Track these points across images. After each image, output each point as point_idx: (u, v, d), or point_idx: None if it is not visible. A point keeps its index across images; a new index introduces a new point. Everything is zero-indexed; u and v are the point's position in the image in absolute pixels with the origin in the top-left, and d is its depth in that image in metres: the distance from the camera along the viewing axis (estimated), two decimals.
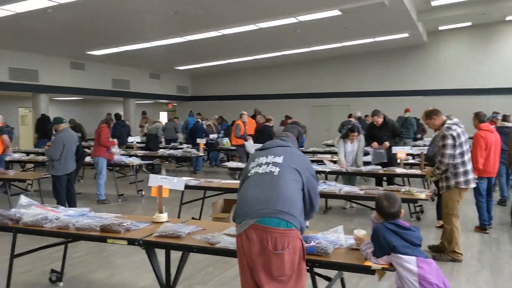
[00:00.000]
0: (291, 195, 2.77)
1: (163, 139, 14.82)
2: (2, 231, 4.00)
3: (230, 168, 8.37)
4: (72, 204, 7.42)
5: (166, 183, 4.02)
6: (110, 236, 3.56)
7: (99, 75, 17.86)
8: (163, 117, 25.52)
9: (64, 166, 7.22)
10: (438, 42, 19.00)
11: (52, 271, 4.58)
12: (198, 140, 11.79)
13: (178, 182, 4.04)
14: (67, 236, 3.86)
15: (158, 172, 13.21)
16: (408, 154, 8.99)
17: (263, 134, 10.46)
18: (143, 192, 9.72)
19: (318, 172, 7.66)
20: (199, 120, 13.95)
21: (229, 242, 3.20)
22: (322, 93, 21.04)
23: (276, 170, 2.86)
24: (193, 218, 6.85)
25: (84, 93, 17.74)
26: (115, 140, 8.85)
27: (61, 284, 4.55)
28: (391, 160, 8.16)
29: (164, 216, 3.98)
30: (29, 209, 4.09)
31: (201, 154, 11.28)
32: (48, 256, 5.21)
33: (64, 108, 20.54)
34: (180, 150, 11.02)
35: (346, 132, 8.24)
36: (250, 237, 2.71)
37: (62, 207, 4.29)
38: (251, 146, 9.35)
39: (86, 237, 3.68)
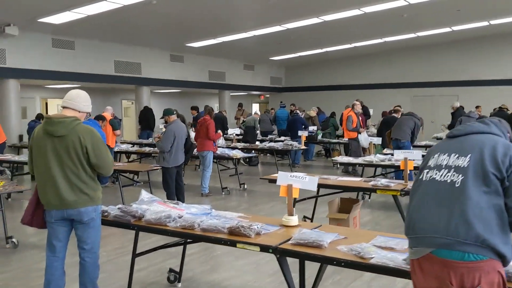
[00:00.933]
0: (481, 217, 2.05)
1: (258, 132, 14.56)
2: (124, 227, 3.80)
3: (342, 164, 7.79)
4: (180, 197, 7.30)
5: (296, 182, 3.57)
6: (240, 241, 3.19)
7: (196, 67, 18.05)
8: (256, 109, 25.43)
9: (174, 158, 7.11)
10: None
11: (171, 270, 4.36)
12: (300, 133, 11.32)
13: (310, 181, 3.57)
14: (193, 238, 3.55)
15: (255, 165, 12.98)
16: None
17: (388, 126, 9.52)
18: (246, 186, 9.47)
19: None
20: (297, 111, 13.44)
21: (387, 258, 2.67)
22: (425, 82, 19.62)
23: (458, 179, 2.14)
24: (305, 218, 6.44)
25: (182, 86, 18.02)
26: (220, 132, 8.62)
27: (179, 285, 4.31)
28: None
29: (294, 219, 3.54)
30: (151, 206, 3.86)
31: (303, 147, 10.80)
32: (164, 252, 5.02)
33: (163, 100, 21.09)
34: (281, 142, 10.63)
35: None
36: (426, 270, 2.14)
37: (184, 204, 4.02)
38: (364, 139, 8.68)
39: (213, 240, 3.33)
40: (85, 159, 3.48)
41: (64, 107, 3.60)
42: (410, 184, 5.17)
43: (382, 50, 19.68)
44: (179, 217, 3.62)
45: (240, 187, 9.45)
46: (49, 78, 13.64)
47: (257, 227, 3.29)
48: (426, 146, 10.66)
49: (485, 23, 15.10)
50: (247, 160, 12.56)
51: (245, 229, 3.25)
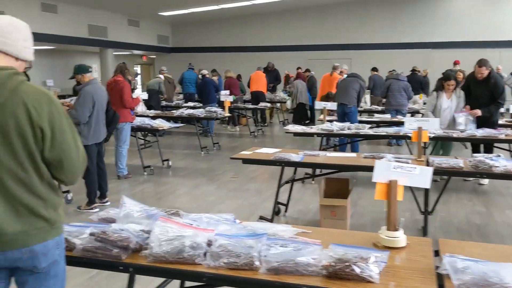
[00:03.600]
0: None
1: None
2: (107, 268, 2.16)
3: (298, 134, 6.59)
4: (104, 186, 5.52)
5: (403, 176, 2.26)
6: None
7: (73, 20, 15.22)
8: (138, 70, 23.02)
9: (95, 132, 5.26)
10: None
11: None
12: (223, 97, 9.81)
13: (423, 174, 2.29)
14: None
15: (162, 135, 11.23)
16: None
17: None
18: (170, 162, 7.85)
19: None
20: (206, 73, 11.81)
21: None
22: (320, 45, 19.28)
23: None
24: (278, 204, 5.16)
25: (56, 41, 15.07)
26: (140, 96, 6.77)
27: None
28: (493, 126, 6.60)
29: (402, 238, 2.25)
30: (148, 225, 2.25)
31: (228, 114, 9.37)
32: None
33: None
34: (201, 110, 9.07)
35: (440, 82, 6.68)
36: None
37: (206, 216, 2.44)
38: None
39: None
40: (38, 150, 1.78)
41: None
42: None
43: (277, 9, 18.79)
44: (209, 244, 2.10)
45: (163, 164, 7.80)
46: None
47: (367, 262, 1.94)
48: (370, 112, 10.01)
49: None
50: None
51: (359, 267, 1.88)
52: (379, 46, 18.57)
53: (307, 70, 14.12)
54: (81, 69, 5.27)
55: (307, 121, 13.31)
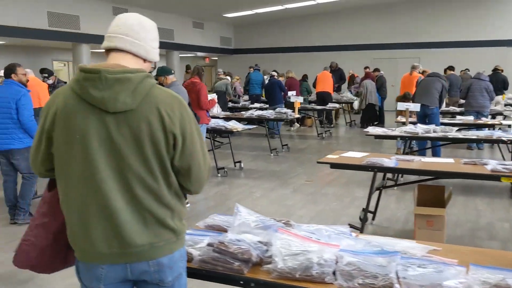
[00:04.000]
0: None
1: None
2: (227, 282, 2.03)
3: (378, 137, 6.29)
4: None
5: None
6: None
7: None
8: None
9: None
10: None
11: None
12: (293, 99, 9.64)
13: None
14: None
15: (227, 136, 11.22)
16: None
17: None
18: (242, 164, 7.78)
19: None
20: (273, 73, 11.68)
21: None
22: (386, 43, 18.66)
23: None
24: (364, 210, 4.90)
25: None
26: (215, 98, 6.72)
27: None
28: None
29: None
30: (265, 235, 2.10)
31: (297, 115, 9.19)
32: None
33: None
34: (270, 111, 8.93)
35: None
36: None
37: (324, 228, 2.26)
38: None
39: None
40: (169, 157, 1.67)
41: (112, 50, 1.72)
42: None
43: (342, 8, 18.41)
44: (335, 262, 1.92)
45: (235, 165, 7.74)
46: None
47: None
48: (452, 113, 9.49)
49: None
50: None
51: None
52: (449, 44, 17.75)
53: (376, 70, 13.65)
54: (164, 71, 5.27)
55: (376, 122, 12.88)
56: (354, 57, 18.66)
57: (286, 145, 9.56)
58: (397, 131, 6.38)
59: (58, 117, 1.63)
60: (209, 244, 2.05)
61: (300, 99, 9.83)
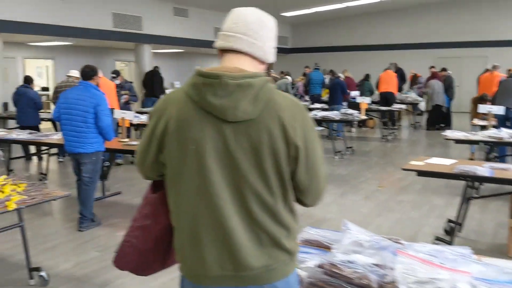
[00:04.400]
0: None
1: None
2: None
3: (460, 141, 5.86)
4: None
5: None
6: None
7: (201, 24, 15.68)
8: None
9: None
10: None
11: None
12: (360, 99, 9.31)
13: None
14: None
15: None
16: None
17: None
18: None
19: None
20: (340, 74, 11.38)
21: None
22: (451, 42, 17.81)
23: None
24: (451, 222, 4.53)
25: (186, 44, 15.62)
26: None
27: None
28: None
29: None
30: (384, 258, 1.86)
31: (364, 117, 8.85)
32: None
33: (161, 61, 18.66)
34: (335, 112, 8.64)
35: None
36: None
37: (447, 249, 2.00)
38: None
39: None
40: (289, 171, 1.47)
41: (227, 50, 1.55)
42: None
43: (404, 6, 17.75)
44: None
45: None
46: (33, 33, 11.10)
47: None
48: None
49: None
50: None
51: None
52: None
53: (443, 70, 12.99)
54: None
55: (443, 125, 12.29)
56: (416, 57, 17.94)
57: (351, 147, 9.23)
58: (480, 136, 5.93)
59: (171, 124, 1.47)
60: (319, 266, 1.84)
61: (367, 99, 9.46)
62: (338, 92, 10.75)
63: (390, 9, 18.33)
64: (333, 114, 8.58)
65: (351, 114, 8.47)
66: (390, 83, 11.67)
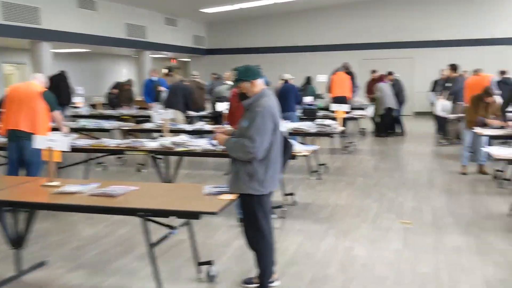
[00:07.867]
0: None
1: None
2: None
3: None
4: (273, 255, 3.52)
5: None
6: None
7: (111, 18, 13.27)
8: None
9: (274, 173, 3.28)
10: None
11: None
12: (335, 107, 7.80)
13: None
14: None
15: None
16: None
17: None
18: (295, 197, 5.85)
19: None
20: (290, 78, 9.78)
21: None
22: (375, 43, 17.30)
23: None
24: None
25: (93, 42, 13.07)
26: None
27: None
28: None
29: None
30: None
31: (342, 127, 7.40)
32: None
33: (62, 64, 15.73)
34: (308, 123, 7.07)
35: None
36: None
37: None
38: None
39: None
40: None
41: None
42: None
43: (330, 4, 16.93)
44: None
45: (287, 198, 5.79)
46: None
47: None
48: None
49: None
50: None
51: None
52: (445, 43, 16.64)
53: (390, 73, 12.11)
54: (252, 73, 3.28)
55: (391, 131, 11.42)
56: (341, 58, 17.05)
57: (324, 164, 7.71)
58: None
59: None
60: None
61: (346, 107, 7.99)
62: (290, 98, 9.22)
63: (313, 8, 17.35)
64: (307, 126, 7.01)
65: (329, 126, 6.95)
66: (343, 87, 10.44)
